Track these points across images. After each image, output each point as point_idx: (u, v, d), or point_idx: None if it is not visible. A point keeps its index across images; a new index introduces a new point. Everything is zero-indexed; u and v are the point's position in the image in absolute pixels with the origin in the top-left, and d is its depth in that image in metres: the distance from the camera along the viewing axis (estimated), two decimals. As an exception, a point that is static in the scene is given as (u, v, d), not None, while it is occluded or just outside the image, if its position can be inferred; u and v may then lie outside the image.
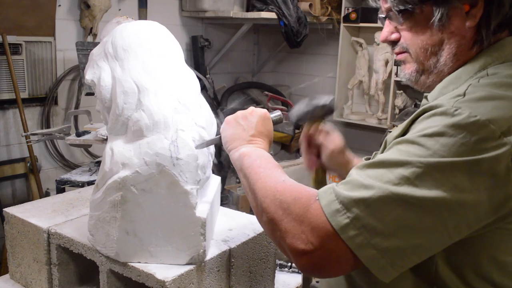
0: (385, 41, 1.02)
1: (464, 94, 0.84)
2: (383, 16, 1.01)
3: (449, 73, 0.95)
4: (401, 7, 0.94)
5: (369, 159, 1.05)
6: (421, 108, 0.88)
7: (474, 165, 0.77)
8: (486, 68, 0.91)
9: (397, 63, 1.01)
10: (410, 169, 0.79)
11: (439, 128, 0.80)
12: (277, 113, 1.20)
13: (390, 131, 3.25)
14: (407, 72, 1.01)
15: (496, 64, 0.91)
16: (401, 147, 0.84)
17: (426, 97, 1.01)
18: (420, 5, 0.93)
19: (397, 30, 1.00)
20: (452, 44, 0.94)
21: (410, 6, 0.93)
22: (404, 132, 0.89)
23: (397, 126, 3.23)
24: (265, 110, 1.18)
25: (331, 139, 1.27)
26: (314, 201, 0.85)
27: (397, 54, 1.02)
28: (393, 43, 1.01)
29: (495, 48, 0.93)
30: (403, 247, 0.79)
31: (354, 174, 0.86)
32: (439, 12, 0.91)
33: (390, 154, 0.84)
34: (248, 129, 1.13)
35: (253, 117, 1.15)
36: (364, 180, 0.82)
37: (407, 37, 0.98)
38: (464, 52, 0.94)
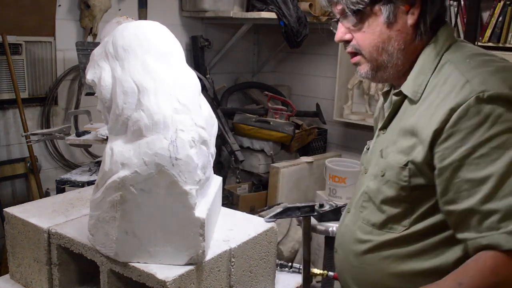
0: (340, 41, 1.15)
1: (470, 81, 0.98)
2: (336, 20, 1.14)
3: (403, 65, 1.12)
4: (353, 8, 1.07)
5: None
6: (448, 109, 0.98)
7: None
8: (442, 54, 1.08)
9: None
10: None
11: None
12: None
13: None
14: (363, 72, 1.15)
15: (445, 48, 1.09)
16: (484, 149, 0.94)
17: (400, 91, 1.13)
18: (370, 5, 1.06)
19: (349, 31, 1.13)
20: (399, 40, 1.09)
21: (361, 6, 1.07)
22: (441, 129, 0.98)
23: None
24: None
25: None
26: (490, 258, 0.93)
27: (351, 56, 1.16)
28: (346, 42, 1.15)
29: (438, 37, 1.10)
30: None
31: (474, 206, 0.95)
32: (386, 11, 1.06)
33: (485, 163, 0.94)
34: None
35: None
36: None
37: (359, 38, 1.12)
38: (409, 46, 1.10)
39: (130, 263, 1.18)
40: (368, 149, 1.28)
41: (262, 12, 3.48)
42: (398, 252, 1.11)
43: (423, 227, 1.07)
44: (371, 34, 1.09)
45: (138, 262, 1.18)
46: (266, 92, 3.89)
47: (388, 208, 1.11)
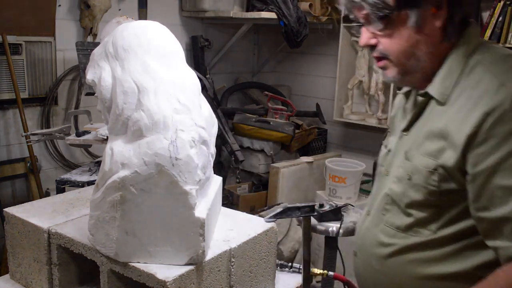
0: (365, 45, 1.12)
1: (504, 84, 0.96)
2: (360, 24, 1.11)
3: (430, 68, 1.08)
4: (380, 14, 1.03)
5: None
6: (482, 113, 0.95)
7: None
8: (470, 56, 1.05)
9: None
10: None
11: None
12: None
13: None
14: (390, 76, 1.11)
15: (473, 49, 1.05)
16: None
17: (426, 93, 1.10)
18: (397, 10, 1.02)
19: (374, 35, 1.09)
20: (427, 44, 1.05)
21: (388, 11, 1.02)
22: (475, 133, 0.96)
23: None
24: None
25: None
26: None
27: (377, 60, 1.12)
28: (372, 47, 1.11)
29: (465, 38, 1.07)
30: None
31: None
32: (414, 16, 1.03)
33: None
34: None
35: None
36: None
37: (386, 43, 1.08)
38: (437, 48, 1.07)
39: (130, 263, 1.18)
40: (389, 150, 1.23)
41: (262, 12, 3.48)
42: (424, 256, 1.09)
43: (450, 232, 1.05)
44: (399, 39, 1.05)
45: (138, 262, 1.18)
46: (266, 92, 3.89)
47: (414, 212, 1.09)
